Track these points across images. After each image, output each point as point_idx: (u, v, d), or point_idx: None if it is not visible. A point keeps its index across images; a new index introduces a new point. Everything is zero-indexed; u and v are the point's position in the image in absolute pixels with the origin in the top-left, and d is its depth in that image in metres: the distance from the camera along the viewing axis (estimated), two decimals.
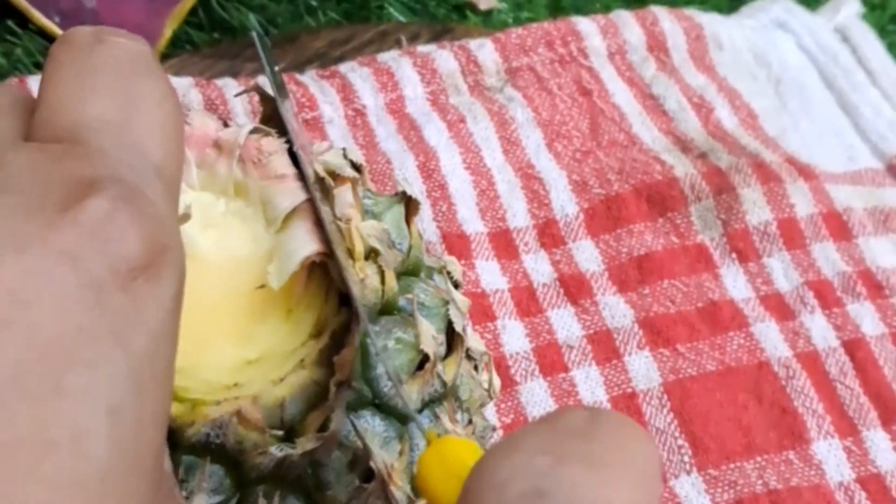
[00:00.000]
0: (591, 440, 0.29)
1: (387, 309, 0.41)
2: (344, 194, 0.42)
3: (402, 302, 0.42)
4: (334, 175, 0.42)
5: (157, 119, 0.31)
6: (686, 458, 0.55)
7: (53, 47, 0.32)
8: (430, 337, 0.41)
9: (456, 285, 0.45)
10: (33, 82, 0.63)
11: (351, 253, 0.40)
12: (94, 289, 0.26)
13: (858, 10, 0.72)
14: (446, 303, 0.43)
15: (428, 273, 0.44)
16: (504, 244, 0.62)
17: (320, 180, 0.42)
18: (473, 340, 0.46)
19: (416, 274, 0.43)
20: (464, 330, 0.43)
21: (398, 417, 0.41)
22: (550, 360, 0.58)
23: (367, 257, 0.41)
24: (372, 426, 0.40)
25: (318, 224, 0.40)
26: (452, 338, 0.43)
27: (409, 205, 0.44)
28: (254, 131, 0.42)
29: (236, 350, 0.39)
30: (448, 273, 0.45)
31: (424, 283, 0.43)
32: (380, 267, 0.41)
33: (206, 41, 0.72)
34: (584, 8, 0.75)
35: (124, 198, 0.27)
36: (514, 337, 0.59)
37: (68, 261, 0.26)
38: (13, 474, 0.24)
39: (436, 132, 0.64)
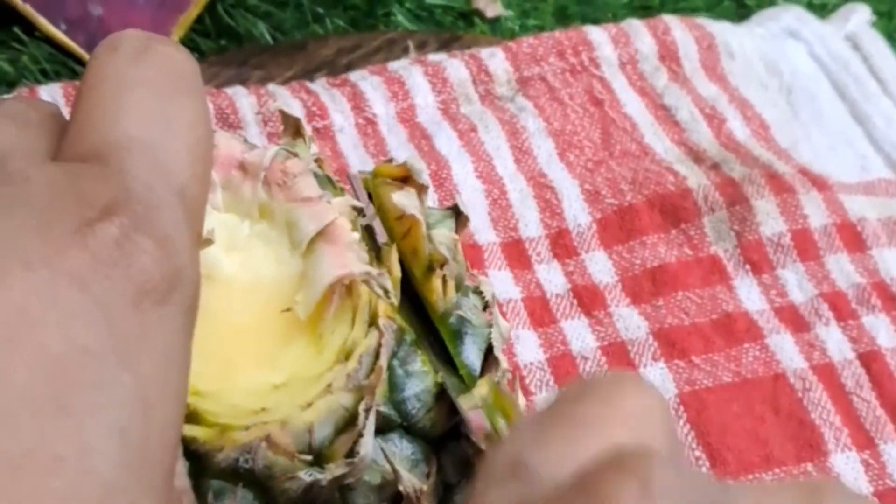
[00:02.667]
0: (578, 403, 0.31)
1: (442, 320, 0.41)
2: (413, 198, 0.42)
3: (451, 318, 0.42)
4: (408, 178, 0.42)
5: (188, 141, 0.31)
6: (703, 470, 0.55)
7: (98, 51, 0.32)
8: None
9: (485, 306, 0.45)
10: (43, 93, 0.63)
11: (415, 253, 0.41)
12: (102, 311, 0.27)
13: (868, 17, 0.72)
14: (490, 325, 0.43)
15: (465, 292, 0.44)
16: (516, 254, 0.62)
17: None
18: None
19: (458, 290, 0.43)
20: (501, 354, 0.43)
21: (426, 440, 0.41)
22: (565, 370, 0.58)
23: (432, 267, 0.41)
24: (400, 449, 0.40)
25: (345, 246, 0.40)
26: (488, 359, 0.43)
27: (459, 219, 0.44)
28: (279, 153, 0.42)
29: (263, 374, 0.39)
30: (480, 293, 0.45)
31: (468, 299, 0.43)
32: (444, 277, 0.41)
33: (213, 49, 0.72)
34: (590, 16, 0.75)
35: (136, 222, 0.28)
36: (528, 347, 0.58)
37: (76, 283, 0.26)
38: (20, 488, 0.24)
39: (447, 141, 0.64)
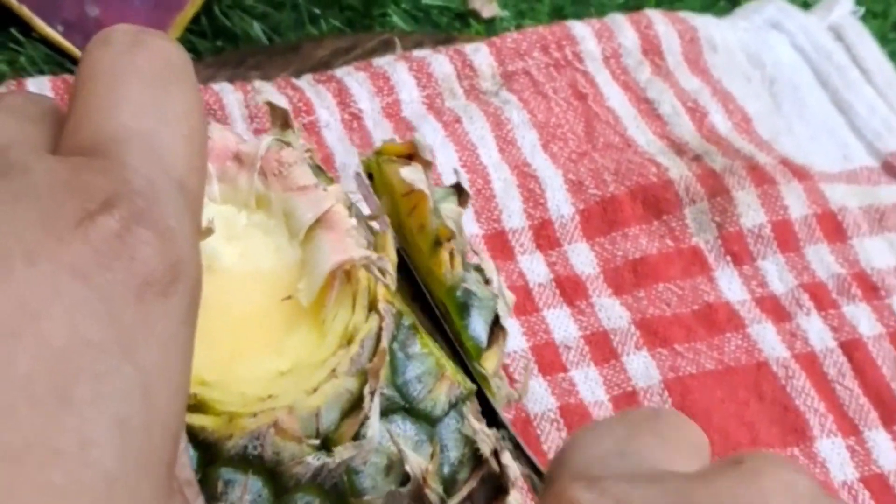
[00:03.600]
0: (657, 421, 0.35)
1: (449, 293, 0.42)
2: (419, 173, 0.43)
3: (458, 291, 0.43)
4: (415, 155, 0.43)
5: (184, 131, 0.31)
6: None
7: (91, 46, 0.32)
8: None
9: (486, 282, 0.45)
10: (31, 86, 0.64)
11: (422, 228, 0.42)
12: (104, 303, 0.27)
13: (851, 8, 0.73)
14: (496, 296, 0.44)
15: (466, 268, 0.45)
16: (500, 245, 0.62)
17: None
18: None
19: (462, 265, 0.44)
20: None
21: (428, 420, 0.41)
22: (549, 359, 0.58)
23: (439, 241, 0.42)
24: (404, 431, 0.41)
25: (343, 232, 0.41)
26: (494, 330, 0.44)
27: (461, 197, 0.45)
28: (273, 143, 0.42)
29: (268, 362, 0.39)
30: (482, 271, 0.46)
31: (471, 274, 0.44)
32: (452, 251, 0.42)
33: (209, 49, 0.72)
34: (586, 16, 0.74)
35: (137, 214, 0.28)
36: (511, 335, 0.57)
37: (79, 276, 0.26)
38: (20, 481, 0.24)
39: (431, 131, 0.65)
